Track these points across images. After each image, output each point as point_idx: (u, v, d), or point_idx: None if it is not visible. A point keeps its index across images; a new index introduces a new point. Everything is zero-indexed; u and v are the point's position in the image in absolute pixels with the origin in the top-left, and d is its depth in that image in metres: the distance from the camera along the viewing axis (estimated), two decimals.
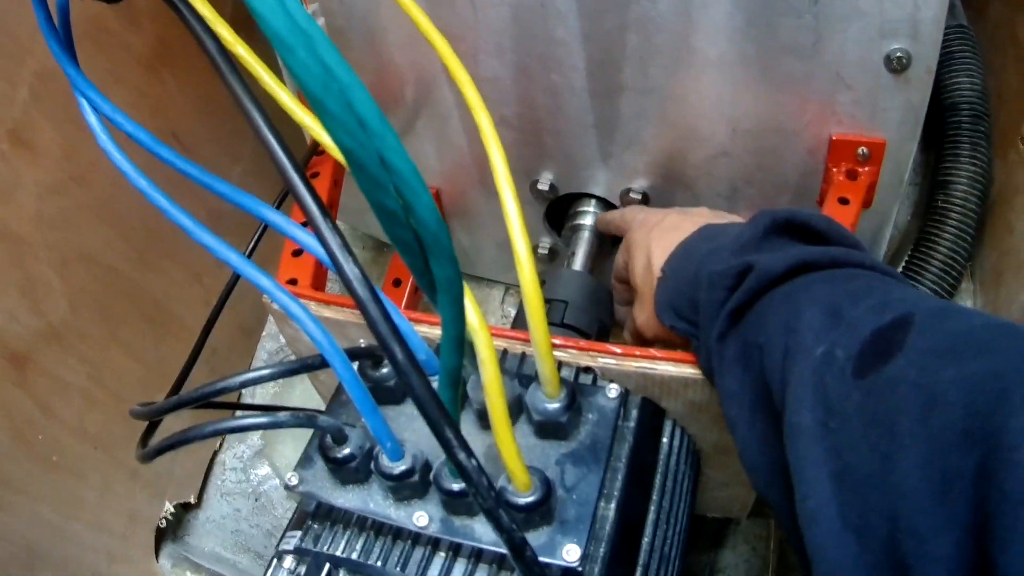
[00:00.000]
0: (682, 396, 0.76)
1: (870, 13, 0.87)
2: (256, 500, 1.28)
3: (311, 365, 0.56)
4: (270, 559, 0.69)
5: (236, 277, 1.04)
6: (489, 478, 0.42)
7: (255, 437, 1.32)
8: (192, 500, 1.26)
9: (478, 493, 0.40)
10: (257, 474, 1.29)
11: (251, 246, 1.00)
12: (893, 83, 0.92)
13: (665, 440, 0.75)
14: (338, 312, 0.84)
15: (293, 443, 1.31)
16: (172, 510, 1.21)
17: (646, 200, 1.11)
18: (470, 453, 0.40)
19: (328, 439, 0.59)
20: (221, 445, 1.32)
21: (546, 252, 1.22)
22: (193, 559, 1.22)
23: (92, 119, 0.58)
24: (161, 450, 0.66)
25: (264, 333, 1.40)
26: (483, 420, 0.64)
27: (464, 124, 1.09)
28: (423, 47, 0.99)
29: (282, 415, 0.56)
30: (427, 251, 0.36)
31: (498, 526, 0.42)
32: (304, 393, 1.32)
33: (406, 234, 0.35)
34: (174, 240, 1.21)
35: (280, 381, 1.32)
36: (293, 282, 0.93)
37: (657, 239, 0.79)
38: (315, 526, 0.66)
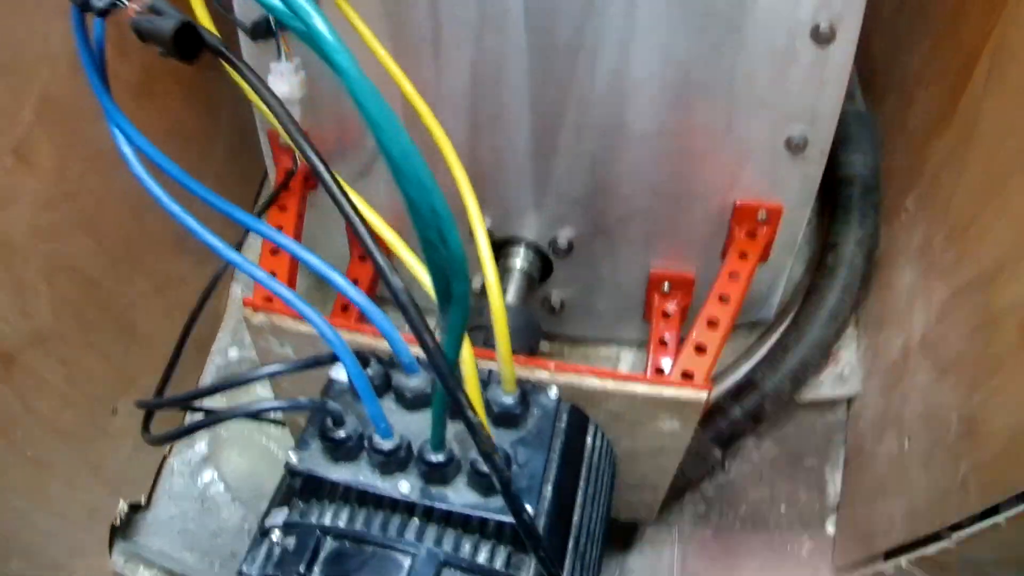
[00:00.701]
0: (603, 406, 0.94)
1: (776, 102, 1.08)
2: (202, 504, 1.40)
3: (322, 361, 0.74)
4: (254, 536, 0.80)
5: (207, 292, 1.19)
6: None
7: (202, 444, 1.43)
8: (143, 501, 1.36)
9: (479, 439, 0.59)
10: (203, 479, 1.41)
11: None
12: (791, 160, 1.13)
13: (589, 440, 0.92)
14: (312, 328, 1.00)
15: (239, 451, 1.43)
16: (126, 509, 1.30)
17: (571, 247, 1.30)
18: (475, 412, 0.59)
19: (329, 422, 0.76)
20: (170, 450, 1.43)
21: (478, 288, 1.39)
22: (144, 556, 1.31)
23: (126, 149, 0.70)
24: (177, 435, 0.81)
25: (213, 348, 1.53)
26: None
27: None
28: (391, 100, 1.17)
29: (301, 399, 0.74)
30: (451, 272, 0.54)
31: (493, 467, 0.61)
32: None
33: (439, 258, 0.53)
34: (142, 254, 1.33)
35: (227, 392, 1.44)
36: (269, 299, 1.06)
37: None
38: (301, 503, 0.81)
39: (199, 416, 0.81)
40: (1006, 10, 1.12)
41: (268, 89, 0.56)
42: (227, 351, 1.52)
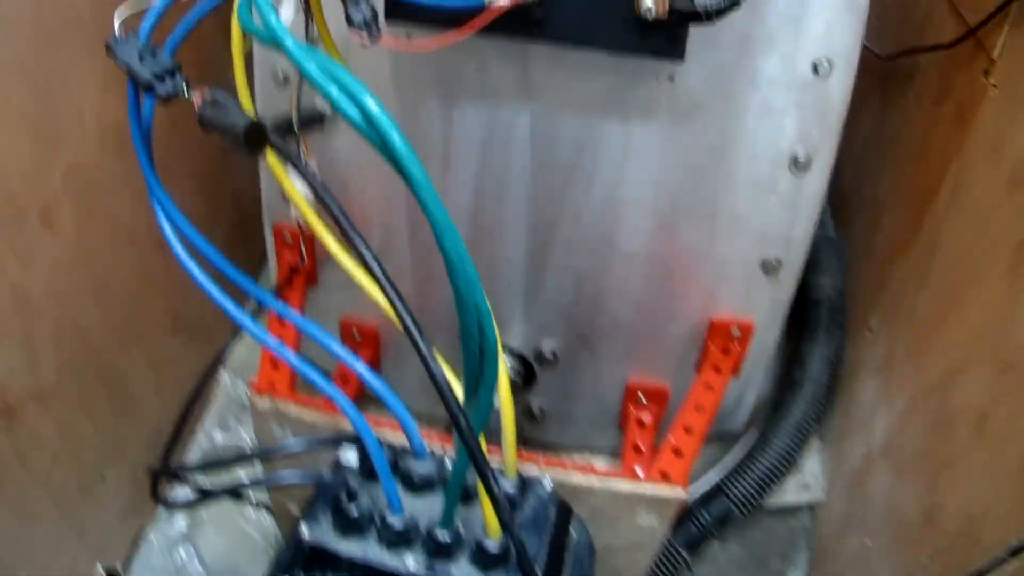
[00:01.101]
0: (586, 501, 1.02)
1: (754, 226, 1.18)
2: None
3: (343, 440, 0.81)
4: None
5: (209, 372, 1.26)
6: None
7: (181, 521, 1.46)
8: (119, 569, 1.37)
9: (500, 511, 0.67)
10: (180, 555, 1.44)
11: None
12: (766, 281, 1.23)
13: (573, 532, 0.98)
14: (315, 415, 1.07)
15: (217, 531, 1.47)
16: (103, 574, 1.32)
17: (555, 357, 1.38)
18: (500, 486, 0.67)
19: (344, 497, 0.83)
20: (149, 523, 1.45)
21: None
22: None
23: (167, 228, 0.77)
24: (193, 502, 0.87)
25: (199, 430, 1.57)
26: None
27: (414, 278, 1.32)
28: (389, 206, 1.26)
29: (324, 473, 0.81)
30: (485, 358, 0.62)
31: (512, 536, 0.70)
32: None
33: (476, 347, 0.61)
34: (141, 330, 1.37)
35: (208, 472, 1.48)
36: (272, 385, 1.14)
37: None
38: (303, 573, 0.87)
39: (185, 490, 0.86)
40: (966, 143, 1.24)
41: (328, 191, 0.63)
42: (212, 434, 1.57)
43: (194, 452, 1.55)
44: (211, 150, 1.53)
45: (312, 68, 0.56)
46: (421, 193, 0.53)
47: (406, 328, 0.62)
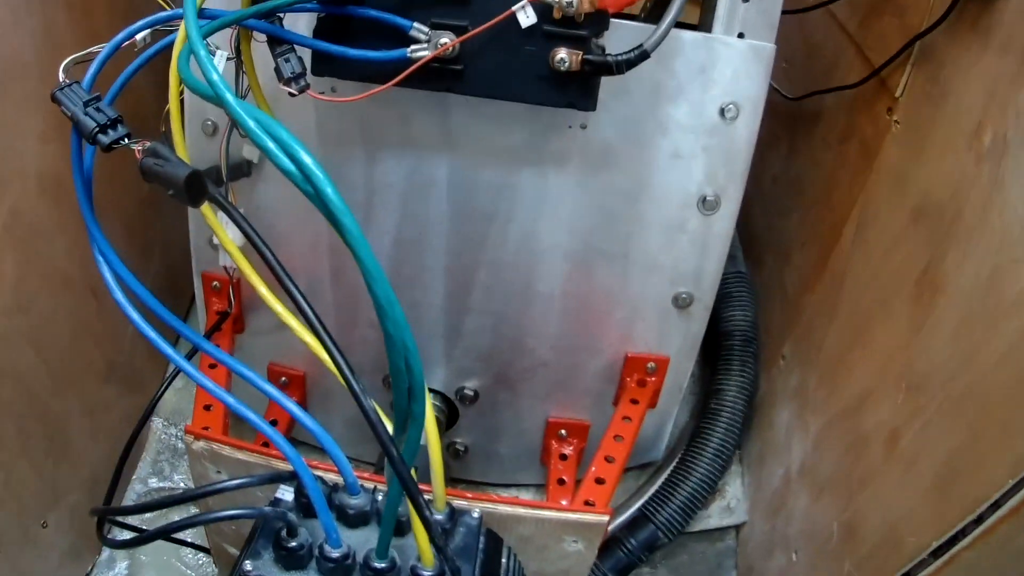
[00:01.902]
0: (515, 530, 1.06)
1: (666, 265, 1.25)
2: None
3: (283, 477, 0.85)
4: None
5: (144, 419, 1.28)
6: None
7: (122, 566, 1.48)
8: None
9: (433, 534, 0.72)
10: None
11: None
12: (678, 316, 1.31)
13: (504, 560, 1.03)
14: (249, 456, 1.11)
15: (155, 572, 1.49)
16: None
17: (477, 397, 1.44)
18: (432, 512, 0.72)
19: (284, 532, 0.86)
20: (92, 569, 1.47)
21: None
22: None
23: (108, 275, 0.78)
24: (136, 542, 0.91)
25: (134, 477, 1.59)
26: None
27: (338, 321, 1.36)
28: (314, 252, 1.30)
29: (265, 508, 0.85)
30: (413, 395, 0.67)
31: (445, 557, 0.75)
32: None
33: (404, 382, 0.66)
34: (76, 376, 1.39)
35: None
36: (207, 428, 1.17)
37: None
38: None
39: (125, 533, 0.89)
40: (870, 179, 1.32)
41: (263, 240, 0.67)
42: (147, 479, 1.59)
43: (130, 498, 1.56)
44: (141, 198, 1.55)
45: (251, 124, 0.59)
46: (353, 242, 0.58)
47: (339, 367, 0.66)
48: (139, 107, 1.11)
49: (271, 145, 0.59)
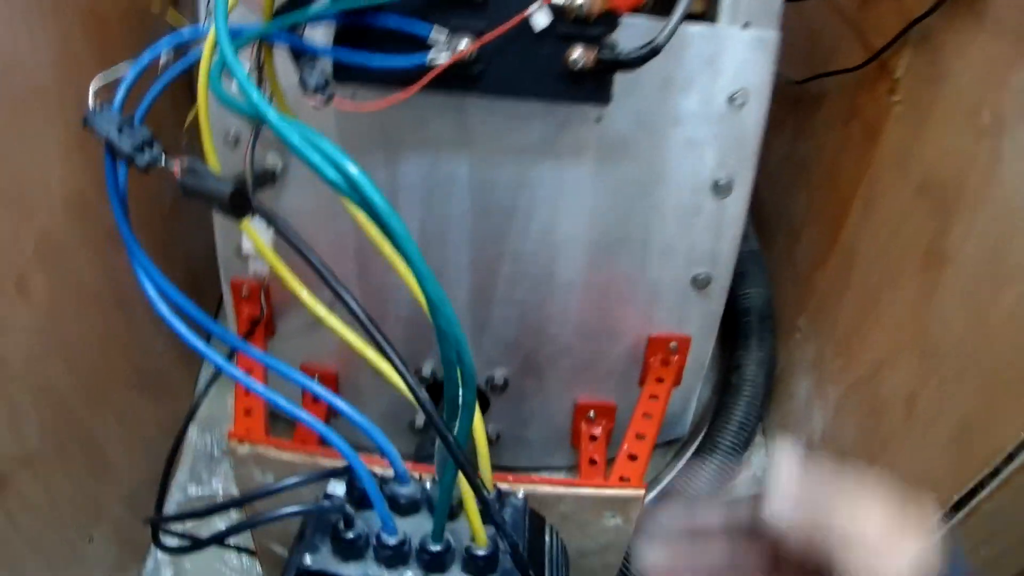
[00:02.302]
0: (555, 508, 1.10)
1: (682, 248, 1.29)
2: None
3: (336, 472, 0.90)
4: None
5: (184, 426, 1.32)
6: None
7: (167, 573, 1.51)
8: None
9: (492, 512, 0.77)
10: None
11: None
12: (697, 297, 1.35)
13: (547, 539, 1.07)
14: (294, 456, 1.14)
15: None
16: None
17: (506, 385, 1.48)
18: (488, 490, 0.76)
19: (341, 524, 0.90)
20: None
21: (421, 426, 1.55)
22: None
23: (151, 290, 0.80)
24: (194, 547, 0.94)
25: (172, 485, 1.62)
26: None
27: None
28: (339, 254, 1.34)
29: (324, 503, 0.89)
30: (464, 382, 0.71)
31: (504, 533, 0.82)
32: None
33: (456, 374, 0.70)
34: (109, 389, 1.41)
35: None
36: (249, 433, 1.20)
37: None
38: None
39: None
40: (875, 158, 1.37)
41: (307, 245, 0.71)
42: (186, 487, 1.63)
43: (170, 506, 1.60)
44: (163, 211, 1.59)
45: (296, 139, 0.62)
46: (402, 244, 0.62)
47: (391, 361, 0.70)
48: (156, 121, 1.12)
49: (317, 158, 0.62)
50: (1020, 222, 1.02)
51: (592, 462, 1.43)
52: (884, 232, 1.34)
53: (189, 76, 0.88)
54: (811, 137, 1.70)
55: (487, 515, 0.82)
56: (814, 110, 1.68)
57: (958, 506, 1.05)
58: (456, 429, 0.74)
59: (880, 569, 0.50)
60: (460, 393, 0.72)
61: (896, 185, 1.31)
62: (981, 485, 1.02)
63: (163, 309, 0.80)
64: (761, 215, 1.81)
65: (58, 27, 1.23)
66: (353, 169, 0.61)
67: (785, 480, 0.56)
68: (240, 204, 0.70)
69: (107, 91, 0.80)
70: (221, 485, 1.64)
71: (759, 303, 1.69)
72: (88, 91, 0.78)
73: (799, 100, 1.72)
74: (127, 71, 0.82)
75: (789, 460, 0.56)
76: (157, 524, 1.02)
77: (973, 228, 1.11)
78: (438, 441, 0.74)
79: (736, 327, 1.68)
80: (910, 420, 1.18)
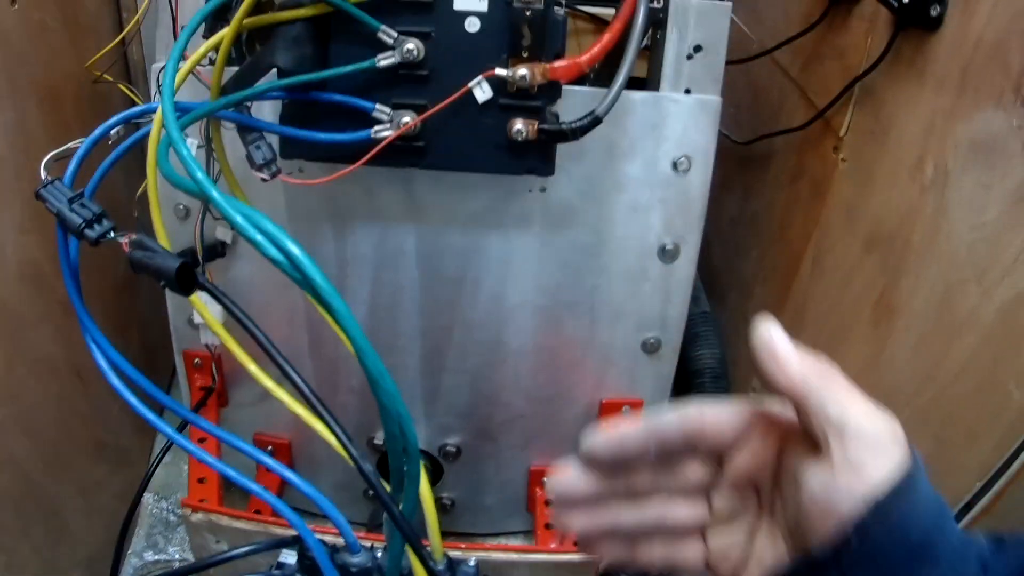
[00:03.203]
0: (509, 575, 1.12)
1: (631, 312, 1.31)
2: None
3: (286, 542, 0.91)
4: None
5: (138, 494, 1.32)
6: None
7: None
8: None
9: (432, 572, 0.77)
10: None
11: None
12: (648, 360, 1.36)
13: None
14: (247, 524, 1.16)
15: None
16: None
17: (459, 452, 1.49)
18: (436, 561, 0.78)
19: None
20: None
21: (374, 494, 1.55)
22: None
23: (103, 362, 0.79)
24: None
25: (129, 551, 1.61)
26: None
27: (320, 394, 1.41)
28: (291, 326, 1.36)
29: (274, 572, 0.90)
30: (409, 456, 0.73)
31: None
32: None
33: (399, 446, 0.72)
34: (68, 458, 1.41)
35: None
36: (203, 500, 1.22)
37: None
38: None
39: None
40: (823, 214, 1.39)
41: (251, 320, 0.72)
42: (143, 553, 1.62)
43: (127, 572, 1.60)
44: (116, 282, 1.60)
45: (239, 219, 0.64)
46: (343, 322, 0.63)
47: (335, 434, 0.72)
48: (108, 192, 1.13)
49: (260, 238, 0.64)
50: (967, 273, 1.04)
51: (548, 527, 1.44)
52: (834, 287, 1.36)
53: (143, 150, 0.90)
54: (760, 196, 1.73)
55: None
56: (762, 169, 1.71)
57: None
58: (402, 501, 0.75)
59: (877, 436, 0.48)
60: (405, 466, 0.73)
61: (844, 240, 1.34)
62: None
63: (115, 381, 0.80)
64: (711, 274, 1.85)
65: (13, 103, 1.24)
66: (295, 249, 0.63)
67: (780, 339, 0.51)
68: (187, 280, 0.71)
69: (62, 165, 0.82)
70: (178, 552, 1.64)
71: (712, 363, 1.71)
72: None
73: (747, 159, 1.75)
74: (80, 147, 0.85)
75: (776, 325, 0.53)
76: None
77: (921, 281, 1.14)
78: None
79: (690, 388, 1.70)
80: None
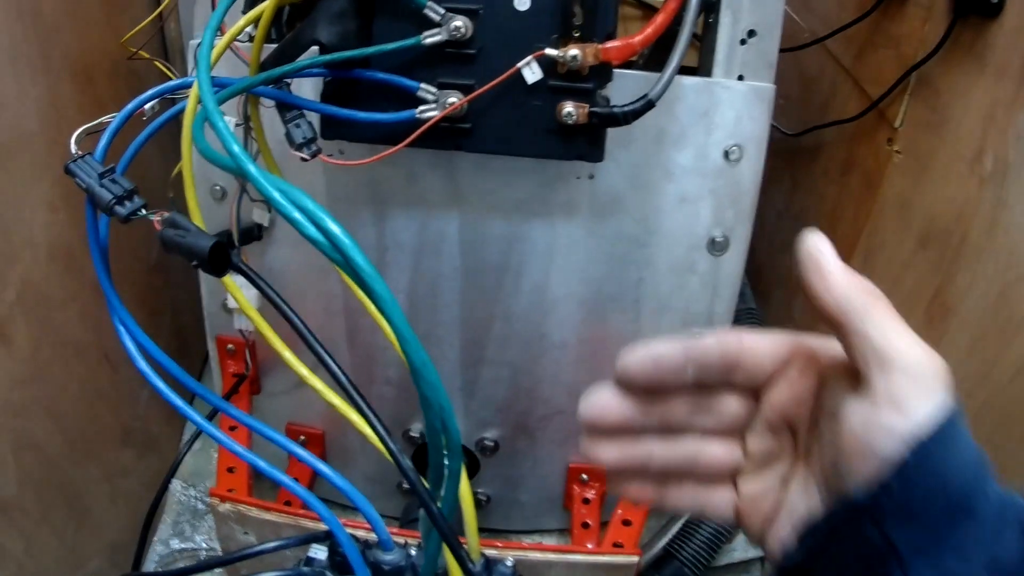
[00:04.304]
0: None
1: (677, 307, 1.26)
2: None
3: (317, 537, 0.87)
4: None
5: (165, 481, 1.30)
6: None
7: None
8: None
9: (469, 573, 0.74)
10: None
11: None
12: None
13: None
14: (276, 516, 1.13)
15: None
16: None
17: (496, 447, 1.45)
18: (474, 562, 0.74)
19: None
20: None
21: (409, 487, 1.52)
22: None
23: (129, 344, 0.77)
24: None
25: (155, 539, 1.59)
26: None
27: (355, 381, 1.39)
28: (328, 314, 1.33)
29: (304, 568, 0.87)
30: (449, 452, 0.69)
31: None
32: None
33: (440, 442, 0.68)
34: (93, 443, 1.39)
35: None
36: (231, 490, 1.20)
37: None
38: None
39: None
40: (875, 208, 1.34)
41: (288, 305, 0.69)
42: (169, 541, 1.60)
43: (152, 559, 1.58)
44: (149, 264, 1.58)
45: (276, 195, 0.60)
46: (385, 307, 0.59)
47: (373, 427, 0.68)
48: (143, 172, 1.12)
49: (298, 215, 0.60)
50: None
51: (585, 525, 1.40)
52: (885, 284, 1.30)
53: (179, 128, 0.87)
54: (809, 189, 1.69)
55: None
56: (811, 162, 1.67)
57: None
58: (441, 498, 0.72)
59: (922, 370, 0.45)
60: (445, 461, 0.69)
61: (897, 235, 1.30)
62: None
63: (142, 364, 0.78)
64: (756, 270, 1.80)
65: (47, 78, 1.22)
66: (335, 228, 0.59)
67: (828, 253, 0.48)
68: (220, 261, 0.68)
69: (93, 141, 0.79)
70: (204, 541, 1.61)
71: None
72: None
73: (796, 152, 1.71)
74: (112, 121, 0.82)
75: (824, 239, 0.49)
76: None
77: (978, 278, 1.10)
78: (423, 509, 0.72)
79: None
80: None
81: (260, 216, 1.21)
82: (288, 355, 0.82)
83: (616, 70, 1.02)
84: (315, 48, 0.95)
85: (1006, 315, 1.03)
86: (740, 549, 1.59)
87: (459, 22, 0.96)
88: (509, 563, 0.99)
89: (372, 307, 0.63)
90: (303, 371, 0.82)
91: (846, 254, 1.40)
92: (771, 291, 1.80)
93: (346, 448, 1.50)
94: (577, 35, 0.98)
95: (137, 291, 1.56)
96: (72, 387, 1.33)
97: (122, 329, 0.77)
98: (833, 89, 1.58)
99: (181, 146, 0.85)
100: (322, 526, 0.87)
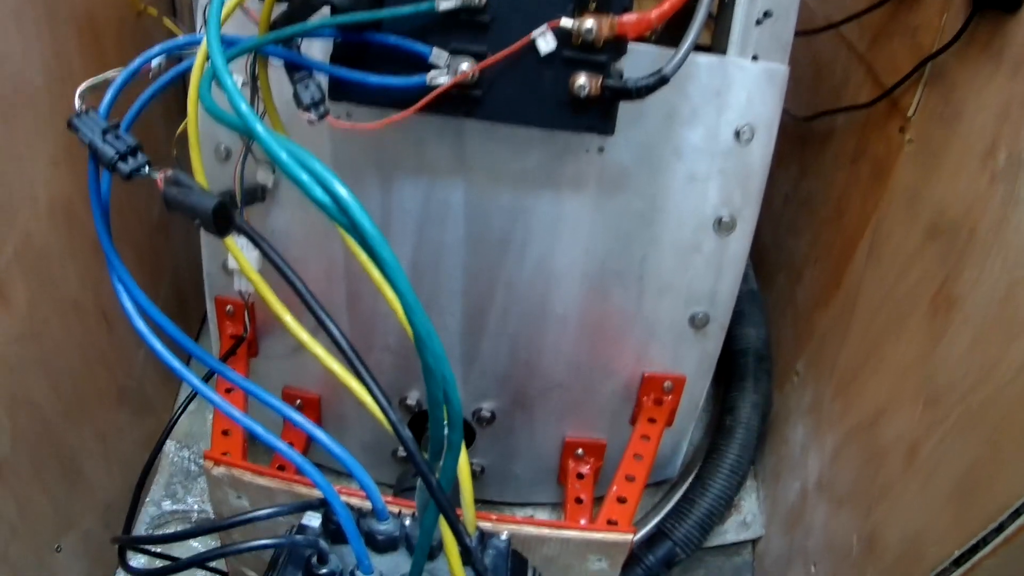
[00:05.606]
0: (539, 551, 1.07)
1: (681, 285, 1.25)
2: None
3: (312, 505, 0.86)
4: None
5: (159, 442, 1.28)
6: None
7: None
8: None
9: (474, 558, 0.72)
10: None
11: None
12: (694, 336, 1.31)
13: None
14: (270, 481, 1.12)
15: None
16: None
17: (493, 418, 1.44)
18: (469, 535, 0.72)
19: (315, 559, 0.87)
20: None
21: (404, 455, 1.51)
22: None
23: (127, 303, 0.76)
24: (161, 572, 0.90)
25: (147, 500, 1.58)
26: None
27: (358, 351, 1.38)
28: (328, 278, 1.31)
29: (298, 537, 0.85)
30: (450, 423, 0.67)
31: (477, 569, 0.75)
32: None
33: (442, 413, 0.66)
34: (89, 403, 1.38)
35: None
36: (225, 454, 1.17)
37: None
38: None
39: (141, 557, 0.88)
40: (883, 197, 1.33)
41: (291, 268, 0.67)
42: (161, 503, 1.59)
43: (143, 520, 1.57)
44: (151, 224, 1.56)
45: (283, 156, 0.58)
46: (391, 273, 0.58)
47: (373, 395, 0.67)
48: (147, 131, 1.10)
49: (305, 177, 0.58)
50: None
51: (579, 501, 1.40)
52: (891, 274, 1.30)
53: (184, 87, 0.85)
54: (817, 175, 1.67)
55: (468, 559, 0.78)
56: (821, 147, 1.65)
57: (959, 561, 1.02)
58: (440, 470, 0.70)
59: None
60: (445, 433, 0.68)
61: (905, 226, 1.28)
62: (984, 541, 0.99)
63: (139, 324, 0.76)
64: (760, 253, 1.79)
65: (52, 33, 1.20)
66: (343, 191, 0.58)
67: None
68: (223, 221, 0.66)
69: (98, 98, 0.78)
70: (197, 503, 1.60)
71: (756, 344, 1.66)
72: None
73: (805, 136, 1.69)
74: (118, 77, 0.80)
75: None
76: (124, 545, 0.99)
77: (985, 274, 1.08)
78: (420, 480, 0.71)
79: (731, 368, 1.65)
80: (911, 470, 1.15)
81: (264, 177, 1.19)
82: (288, 319, 0.80)
83: (630, 44, 1.00)
84: (327, 9, 0.93)
85: (1011, 313, 1.02)
86: (732, 531, 1.59)
87: None
88: (504, 536, 0.98)
89: (375, 273, 0.62)
90: (304, 336, 0.80)
91: (851, 243, 1.39)
92: (774, 275, 1.78)
93: (342, 415, 1.49)
94: (593, 6, 0.96)
95: (137, 251, 1.54)
96: (69, 345, 1.32)
97: (121, 288, 0.76)
98: (846, 75, 1.56)
99: (188, 105, 0.84)
100: (316, 492, 0.86)
